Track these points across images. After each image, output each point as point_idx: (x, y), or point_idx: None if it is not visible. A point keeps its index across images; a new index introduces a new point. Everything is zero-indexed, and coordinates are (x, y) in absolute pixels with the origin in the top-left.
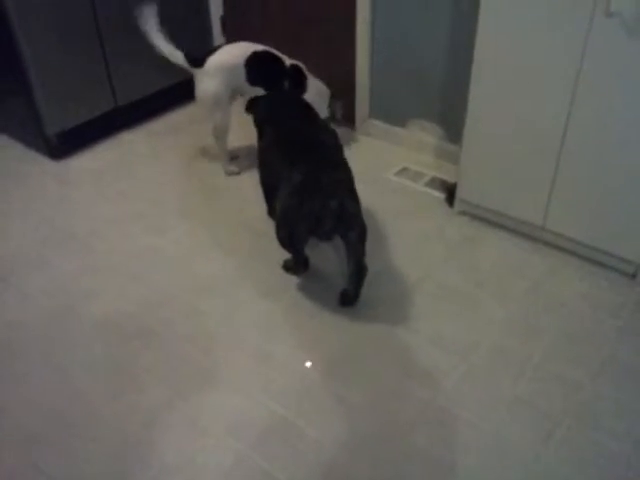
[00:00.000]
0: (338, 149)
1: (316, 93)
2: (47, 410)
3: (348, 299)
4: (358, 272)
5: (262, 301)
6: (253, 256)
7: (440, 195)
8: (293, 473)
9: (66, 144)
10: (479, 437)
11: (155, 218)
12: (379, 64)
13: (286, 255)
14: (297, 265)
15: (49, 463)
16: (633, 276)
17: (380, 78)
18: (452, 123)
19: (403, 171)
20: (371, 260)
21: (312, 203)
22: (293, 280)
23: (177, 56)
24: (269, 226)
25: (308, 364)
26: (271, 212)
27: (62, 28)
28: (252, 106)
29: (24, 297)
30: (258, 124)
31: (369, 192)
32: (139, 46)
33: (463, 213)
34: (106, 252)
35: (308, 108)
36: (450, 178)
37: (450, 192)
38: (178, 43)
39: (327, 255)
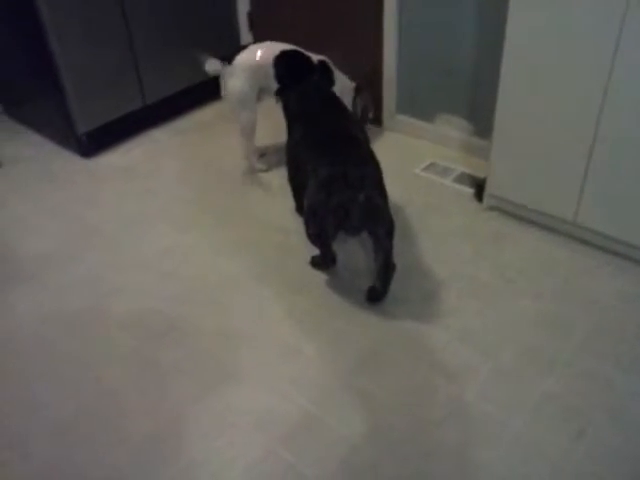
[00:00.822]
0: (366, 143)
1: (342, 87)
2: (77, 404)
3: (376, 295)
4: (386, 268)
5: (290, 297)
6: (280, 253)
7: (469, 190)
8: (320, 469)
9: (96, 142)
10: (507, 434)
11: (183, 215)
12: (406, 58)
13: (314, 251)
14: (325, 261)
15: (80, 455)
16: None
17: (407, 73)
18: (480, 118)
19: (431, 166)
20: (400, 256)
21: (339, 197)
22: (321, 276)
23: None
24: (297, 223)
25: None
26: (299, 209)
27: (92, 28)
28: (283, 94)
29: (55, 293)
30: (288, 118)
31: (397, 187)
32: (167, 45)
33: (492, 208)
34: (134, 249)
35: (337, 101)
36: (479, 173)
37: (479, 187)
38: (205, 39)
39: (355, 251)
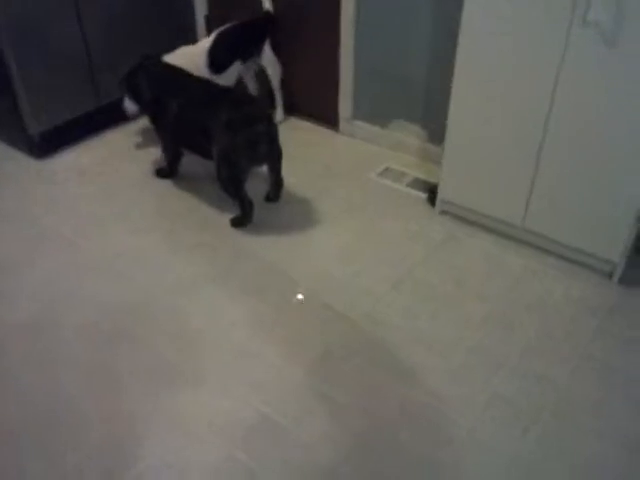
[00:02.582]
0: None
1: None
2: (30, 409)
3: (272, 199)
4: (278, 183)
5: (245, 299)
6: (235, 255)
7: (422, 195)
8: (278, 472)
9: (49, 143)
10: (460, 433)
11: (137, 217)
12: (362, 66)
13: (231, 209)
14: (244, 210)
15: (33, 462)
16: (610, 275)
17: (363, 80)
18: (434, 124)
19: (386, 171)
20: (354, 260)
21: (244, 131)
22: (276, 278)
23: None
24: (252, 226)
25: (300, 296)
26: (163, 173)
27: (44, 26)
28: (129, 83)
29: (7, 297)
30: (146, 102)
31: (351, 191)
32: (122, 45)
33: (444, 213)
34: (90, 251)
35: (174, 66)
36: (432, 178)
37: (432, 192)
38: (161, 40)
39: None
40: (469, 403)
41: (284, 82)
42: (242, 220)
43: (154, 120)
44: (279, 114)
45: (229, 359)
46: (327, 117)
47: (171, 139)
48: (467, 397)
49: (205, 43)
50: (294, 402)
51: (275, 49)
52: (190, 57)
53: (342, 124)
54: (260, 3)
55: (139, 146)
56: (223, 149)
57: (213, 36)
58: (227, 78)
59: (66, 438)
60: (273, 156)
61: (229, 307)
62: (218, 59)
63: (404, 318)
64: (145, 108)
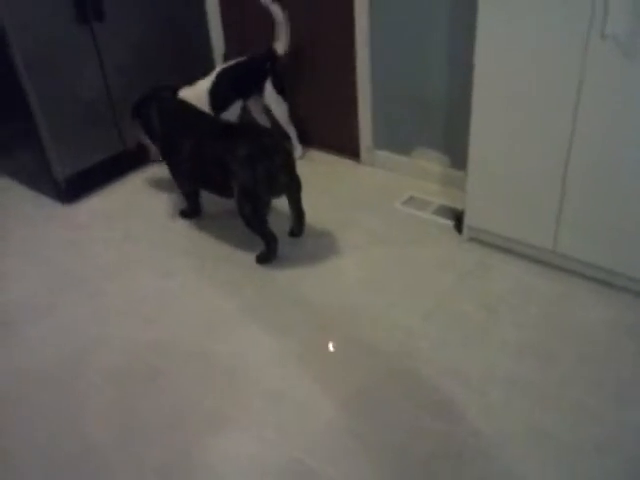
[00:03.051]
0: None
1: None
2: (55, 460)
3: (296, 234)
4: (300, 215)
5: (274, 338)
6: (262, 292)
7: (448, 222)
8: None
9: (75, 188)
10: (498, 472)
11: (162, 259)
12: (381, 94)
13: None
14: (269, 245)
15: None
16: None
17: (382, 108)
18: (456, 150)
19: (410, 200)
20: (382, 292)
21: (264, 164)
22: (303, 313)
23: None
24: (281, 260)
25: (331, 346)
26: (188, 214)
27: (67, 74)
28: (140, 113)
29: (32, 344)
30: (160, 137)
31: (377, 222)
32: (144, 87)
33: (472, 240)
34: (115, 295)
35: (193, 106)
36: (458, 205)
37: (458, 219)
38: (183, 80)
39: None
40: (509, 439)
41: (301, 115)
42: (267, 256)
43: (165, 156)
44: (297, 149)
45: (258, 400)
46: (348, 147)
47: (186, 177)
48: (506, 432)
49: (205, 83)
50: (326, 443)
51: (285, 82)
52: (191, 98)
53: (363, 154)
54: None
55: (163, 188)
56: (244, 184)
57: (213, 75)
58: (229, 116)
59: None
60: (292, 187)
61: (257, 346)
62: (219, 99)
63: (437, 350)
64: (156, 142)
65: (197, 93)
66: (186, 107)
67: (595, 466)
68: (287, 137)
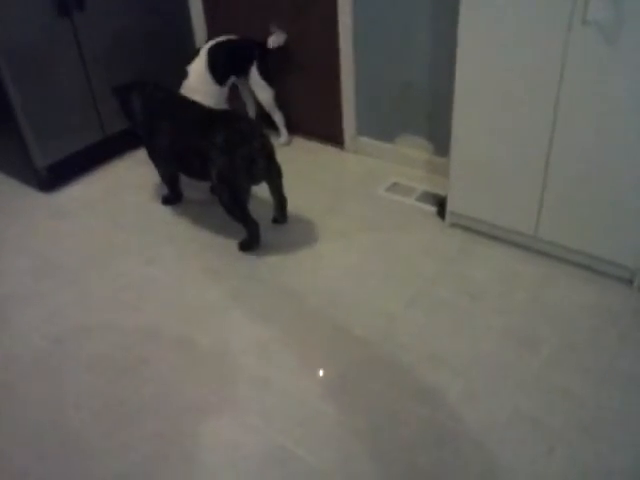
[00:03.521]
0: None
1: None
2: (40, 448)
3: (280, 221)
4: (282, 202)
5: (257, 325)
6: (245, 279)
7: (431, 209)
8: None
9: (56, 176)
10: (481, 454)
11: (144, 246)
12: (364, 82)
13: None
14: (251, 232)
15: None
16: (630, 282)
17: (366, 96)
18: (440, 137)
19: (394, 186)
20: (365, 278)
21: (242, 149)
22: (287, 302)
23: None
24: (263, 249)
25: (320, 373)
26: (169, 200)
27: (45, 61)
28: (122, 99)
29: (15, 332)
30: (140, 127)
31: (360, 209)
32: (124, 76)
33: (455, 225)
34: (98, 283)
35: (172, 92)
36: (441, 191)
37: (441, 205)
38: (163, 70)
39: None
40: (491, 423)
41: (286, 102)
42: (250, 243)
43: (146, 142)
44: (283, 136)
45: (242, 387)
46: (332, 135)
47: (166, 163)
48: (488, 416)
49: (199, 62)
50: (308, 430)
51: (273, 69)
52: (194, 81)
53: (347, 141)
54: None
55: (145, 175)
56: (222, 171)
57: (204, 52)
58: (222, 94)
59: (77, 474)
60: (272, 172)
61: (240, 333)
62: (218, 73)
63: (420, 336)
64: (136, 128)
65: (197, 75)
66: (167, 94)
67: (578, 450)
68: (269, 123)
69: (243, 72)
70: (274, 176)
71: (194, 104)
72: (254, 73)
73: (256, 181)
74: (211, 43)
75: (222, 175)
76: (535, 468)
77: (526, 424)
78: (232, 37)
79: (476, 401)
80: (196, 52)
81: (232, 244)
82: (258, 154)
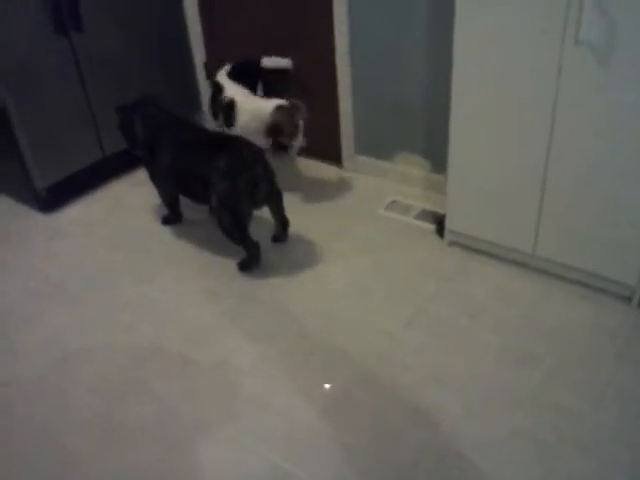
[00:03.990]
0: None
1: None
2: (36, 472)
3: (280, 239)
4: (284, 223)
5: (256, 346)
6: (244, 299)
7: (430, 227)
8: None
9: (56, 197)
10: (481, 473)
11: (144, 267)
12: (362, 101)
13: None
14: (251, 254)
15: None
16: (629, 299)
17: (364, 114)
18: (437, 154)
19: (392, 205)
20: (364, 298)
21: (245, 175)
22: (285, 321)
23: None
24: (263, 269)
25: (327, 386)
26: (169, 220)
27: (45, 82)
28: (123, 119)
29: (13, 354)
30: (141, 147)
31: (359, 228)
32: (123, 96)
33: (454, 244)
34: (97, 305)
35: (174, 115)
36: (439, 209)
37: (440, 223)
38: (162, 89)
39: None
40: (489, 442)
41: None
42: (249, 263)
43: (147, 163)
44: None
45: (240, 408)
46: (330, 154)
47: (166, 185)
48: (487, 436)
49: (236, 90)
50: (307, 450)
51: (275, 90)
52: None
53: (345, 160)
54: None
55: (145, 195)
56: (224, 195)
57: (228, 80)
58: None
59: None
60: (273, 197)
61: (239, 353)
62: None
63: (418, 356)
64: (136, 148)
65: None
66: (170, 115)
67: (576, 467)
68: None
69: (254, 91)
70: (275, 200)
71: (195, 126)
72: (259, 92)
73: (257, 205)
74: (226, 69)
75: (223, 199)
76: None
77: (524, 442)
78: (234, 61)
79: (474, 420)
80: (216, 85)
81: (231, 264)
82: (260, 179)
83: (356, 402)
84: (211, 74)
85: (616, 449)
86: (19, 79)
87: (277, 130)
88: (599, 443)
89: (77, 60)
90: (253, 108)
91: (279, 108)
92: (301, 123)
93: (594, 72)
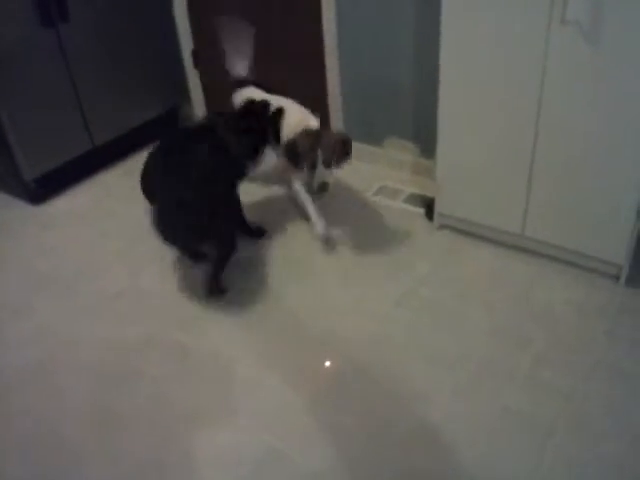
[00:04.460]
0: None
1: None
2: (31, 462)
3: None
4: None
5: (248, 332)
6: (235, 286)
7: (420, 210)
8: None
9: (45, 188)
10: (474, 452)
11: (135, 257)
12: (350, 87)
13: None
14: (212, 284)
15: None
16: (616, 278)
17: (352, 100)
18: (426, 139)
19: (381, 189)
20: (354, 282)
21: (163, 220)
22: (277, 307)
23: None
24: (246, 257)
25: (327, 364)
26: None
27: (31, 73)
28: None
29: (6, 345)
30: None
31: (349, 213)
32: (111, 86)
33: (443, 227)
34: (89, 294)
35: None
36: (428, 193)
37: (429, 207)
38: (150, 77)
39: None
40: (480, 421)
41: None
42: (215, 291)
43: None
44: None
45: (234, 393)
46: None
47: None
48: (478, 414)
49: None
50: (301, 432)
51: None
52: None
53: None
54: None
55: (134, 185)
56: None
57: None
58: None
59: None
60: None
61: (232, 341)
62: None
63: (410, 337)
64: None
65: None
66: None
67: (567, 443)
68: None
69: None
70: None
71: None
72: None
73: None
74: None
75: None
76: (526, 463)
77: (515, 421)
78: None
79: (466, 400)
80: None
81: None
82: (175, 227)
83: (348, 383)
84: (197, 64)
85: (607, 426)
86: (5, 70)
87: (292, 150)
88: (590, 420)
89: (64, 51)
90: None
91: (307, 130)
92: (330, 153)
93: (581, 51)
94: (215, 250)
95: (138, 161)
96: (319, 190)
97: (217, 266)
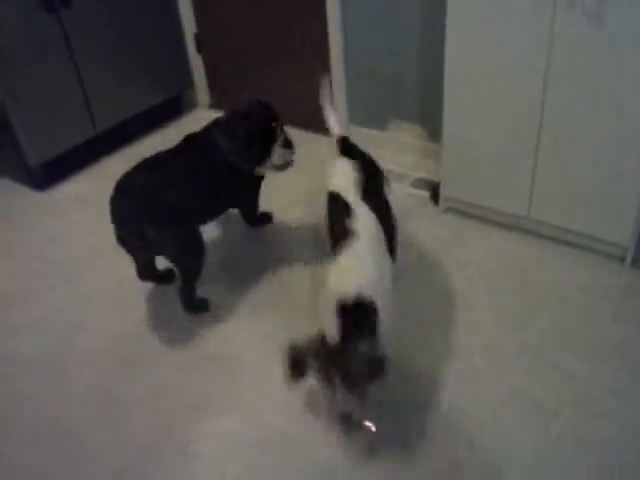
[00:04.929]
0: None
1: None
2: (39, 443)
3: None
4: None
5: (254, 319)
6: (242, 274)
7: (425, 194)
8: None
9: (49, 174)
10: (482, 433)
11: None
12: (354, 69)
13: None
14: (186, 301)
15: None
16: (622, 259)
17: (356, 83)
18: (431, 122)
19: (387, 173)
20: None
21: (117, 225)
22: (280, 298)
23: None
24: (252, 242)
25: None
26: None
27: (38, 61)
28: None
29: (13, 331)
30: None
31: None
32: (114, 72)
33: (449, 210)
34: (95, 281)
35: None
36: (434, 177)
37: (435, 190)
38: (152, 62)
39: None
40: (485, 402)
41: (278, 94)
42: (196, 307)
43: None
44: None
45: (239, 381)
46: (322, 125)
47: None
48: (483, 395)
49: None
50: (307, 414)
51: (262, 62)
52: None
53: None
54: None
55: None
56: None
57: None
58: None
59: (75, 469)
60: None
61: (237, 329)
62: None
63: (414, 320)
64: None
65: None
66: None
67: (572, 424)
68: None
69: None
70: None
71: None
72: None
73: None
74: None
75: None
76: (531, 445)
77: (522, 402)
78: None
79: (472, 382)
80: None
81: (230, 236)
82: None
83: None
84: (200, 49)
85: (610, 404)
86: (9, 57)
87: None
88: (595, 401)
89: (67, 36)
90: None
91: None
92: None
93: (588, 34)
94: (174, 265)
95: (142, 147)
96: None
97: (184, 282)
